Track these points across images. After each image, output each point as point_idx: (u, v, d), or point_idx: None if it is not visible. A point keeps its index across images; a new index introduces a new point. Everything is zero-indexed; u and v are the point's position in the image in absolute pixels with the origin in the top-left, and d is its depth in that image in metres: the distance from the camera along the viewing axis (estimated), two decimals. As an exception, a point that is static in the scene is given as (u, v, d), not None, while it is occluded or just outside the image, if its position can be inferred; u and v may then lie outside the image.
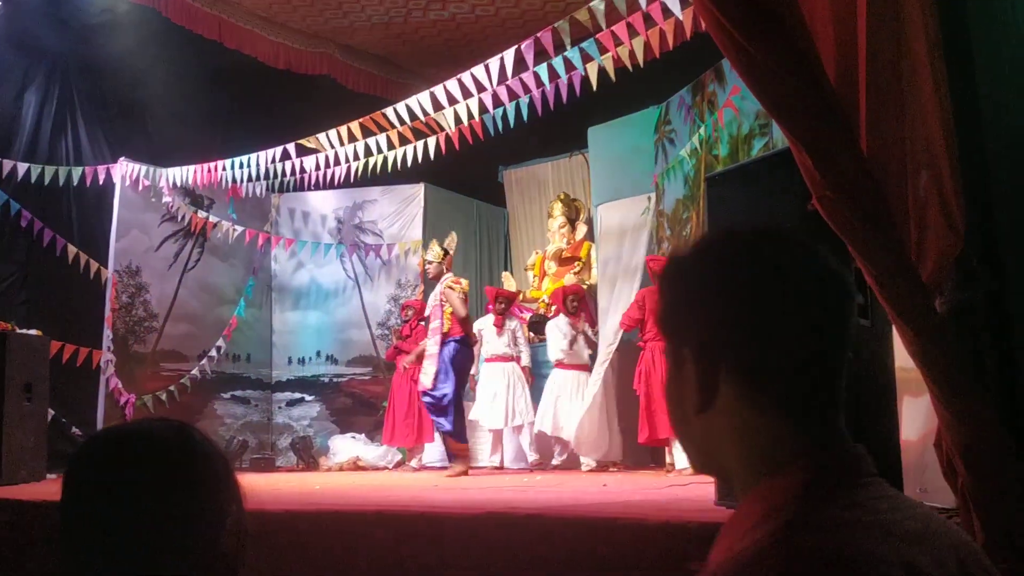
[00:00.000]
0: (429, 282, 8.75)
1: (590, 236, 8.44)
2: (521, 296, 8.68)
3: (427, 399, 6.68)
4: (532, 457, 7.39)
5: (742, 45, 2.45)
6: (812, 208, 2.52)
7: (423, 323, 7.29)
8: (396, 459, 8.07)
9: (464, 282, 7.04)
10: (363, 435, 8.32)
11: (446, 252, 7.04)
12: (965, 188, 2.28)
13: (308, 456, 8.22)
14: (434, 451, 7.67)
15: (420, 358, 7.06)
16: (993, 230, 2.31)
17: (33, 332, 6.92)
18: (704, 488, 4.62)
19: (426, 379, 6.65)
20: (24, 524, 4.47)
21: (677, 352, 1.00)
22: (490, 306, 7.81)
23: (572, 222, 8.72)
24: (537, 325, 7.85)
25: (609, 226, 7.50)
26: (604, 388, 7.00)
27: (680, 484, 4.98)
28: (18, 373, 6.54)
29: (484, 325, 7.65)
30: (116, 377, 7.78)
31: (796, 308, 0.96)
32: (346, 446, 8.09)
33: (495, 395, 7.37)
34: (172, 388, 8.20)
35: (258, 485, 5.72)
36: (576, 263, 8.40)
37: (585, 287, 8.09)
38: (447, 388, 6.57)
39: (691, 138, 6.75)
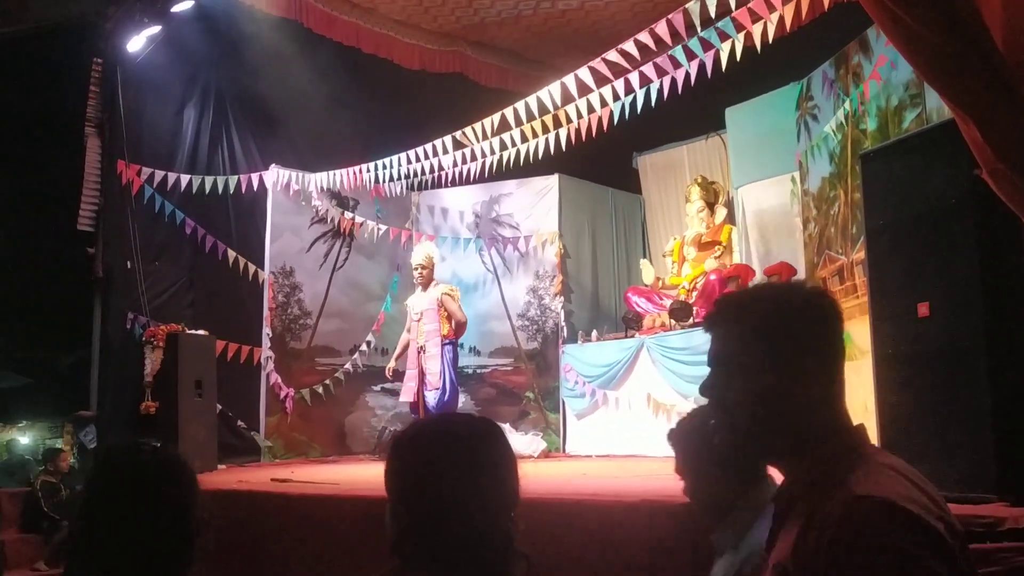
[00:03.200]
0: (572, 263, 8.86)
1: (730, 219, 8.27)
2: (660, 283, 8.60)
3: (432, 395, 7.31)
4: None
5: (899, 16, 2.36)
6: (981, 179, 2.41)
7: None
8: (541, 447, 8.16)
9: (457, 291, 7.78)
10: (507, 424, 8.45)
11: (432, 259, 7.69)
12: None
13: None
14: None
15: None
16: None
17: (201, 332, 7.41)
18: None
19: (434, 378, 7.33)
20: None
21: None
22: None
23: (711, 205, 8.55)
24: (678, 312, 7.75)
25: (753, 208, 7.34)
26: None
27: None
28: (189, 371, 7.03)
29: None
30: (276, 373, 8.21)
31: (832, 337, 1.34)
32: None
33: None
34: (327, 382, 8.58)
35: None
36: (717, 247, 8.24)
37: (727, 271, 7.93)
38: (450, 385, 7.37)
39: (836, 113, 6.50)
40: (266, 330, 8.21)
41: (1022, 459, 2.69)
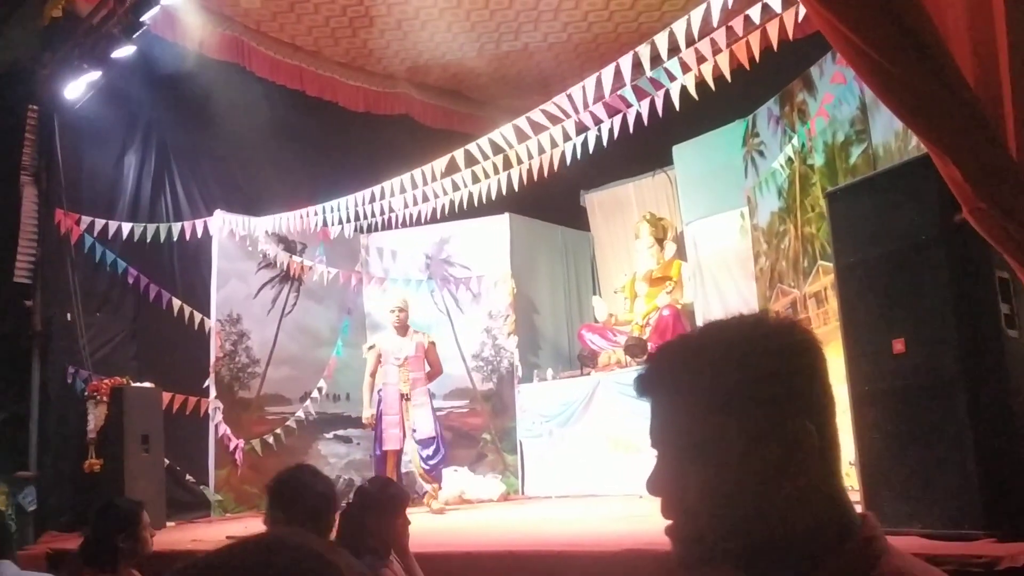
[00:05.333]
0: (523, 302, 8.81)
1: (680, 255, 8.35)
2: (614, 320, 8.62)
3: (418, 448, 7.07)
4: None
5: (877, 62, 2.39)
6: (962, 220, 2.44)
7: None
8: (500, 490, 8.06)
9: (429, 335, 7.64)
10: (465, 467, 8.34)
11: (406, 303, 7.50)
12: None
13: (411, 492, 8.24)
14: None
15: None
16: None
17: (146, 385, 7.17)
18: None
19: (424, 429, 7.12)
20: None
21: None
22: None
23: (660, 241, 8.64)
24: (634, 348, 7.77)
25: (704, 243, 7.42)
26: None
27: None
28: (135, 425, 6.80)
29: None
30: (224, 423, 7.97)
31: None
32: (450, 480, 8.11)
33: None
34: (278, 431, 8.36)
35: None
36: (668, 283, 8.31)
37: (679, 307, 8.00)
38: (442, 441, 7.25)
39: (783, 149, 6.64)
40: (213, 380, 7.98)
41: (1007, 493, 2.71)
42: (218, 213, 8.19)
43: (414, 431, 7.10)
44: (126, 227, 7.76)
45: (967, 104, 2.35)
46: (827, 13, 2.40)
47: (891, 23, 2.30)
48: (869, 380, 3.17)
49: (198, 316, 8.07)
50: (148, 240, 7.87)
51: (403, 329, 7.38)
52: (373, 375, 7.33)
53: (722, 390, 0.92)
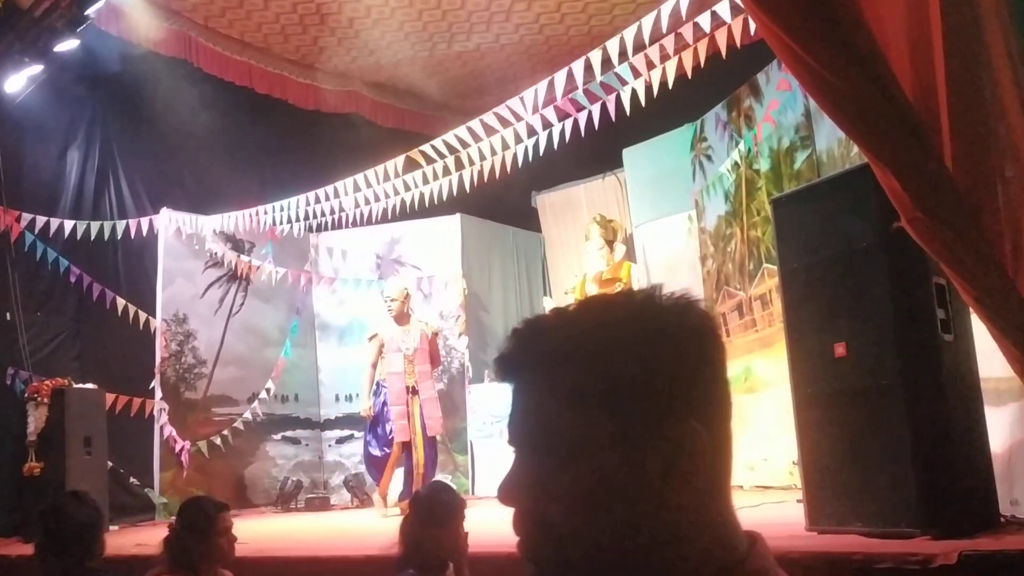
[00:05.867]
0: (472, 301, 8.82)
1: (629, 256, 8.43)
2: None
3: (430, 442, 6.97)
4: None
5: (819, 73, 2.46)
6: (900, 228, 2.52)
7: None
8: (450, 491, 8.07)
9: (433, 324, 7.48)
10: (415, 469, 8.32)
11: (408, 292, 7.30)
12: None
13: (362, 493, 8.22)
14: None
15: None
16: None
17: (89, 386, 7.03)
18: (773, 511, 4.58)
19: (435, 424, 7.00)
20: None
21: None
22: None
23: (610, 243, 8.70)
24: (583, 349, 7.83)
25: (653, 245, 7.52)
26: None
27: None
28: (78, 428, 6.66)
29: None
30: (170, 425, 7.85)
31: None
32: (398, 480, 8.09)
33: None
34: (225, 432, 8.25)
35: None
36: (617, 284, 8.38)
37: (629, 308, 8.08)
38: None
39: (729, 154, 6.76)
40: (158, 381, 7.85)
41: (942, 493, 2.81)
42: (164, 211, 8.06)
43: (423, 427, 6.90)
44: (68, 224, 7.60)
45: (905, 117, 2.42)
46: (771, 23, 2.46)
47: (832, 35, 2.37)
48: (812, 382, 3.26)
49: (143, 316, 7.92)
50: (92, 238, 7.71)
51: (403, 318, 7.15)
52: (374, 366, 7.07)
53: (595, 379, 0.75)
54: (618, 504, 0.74)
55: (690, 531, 0.75)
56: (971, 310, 2.83)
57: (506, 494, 0.79)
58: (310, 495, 8.34)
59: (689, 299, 0.82)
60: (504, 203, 9.50)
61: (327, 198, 7.70)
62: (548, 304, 8.91)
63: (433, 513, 2.65)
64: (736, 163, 6.62)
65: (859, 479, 3.03)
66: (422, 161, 7.07)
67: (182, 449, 7.87)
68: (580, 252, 9.22)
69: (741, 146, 6.55)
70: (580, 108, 6.36)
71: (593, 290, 8.60)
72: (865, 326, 3.07)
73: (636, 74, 5.96)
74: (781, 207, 3.50)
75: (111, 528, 6.69)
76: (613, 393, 0.74)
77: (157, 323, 7.94)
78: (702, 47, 5.49)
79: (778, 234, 3.49)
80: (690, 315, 0.80)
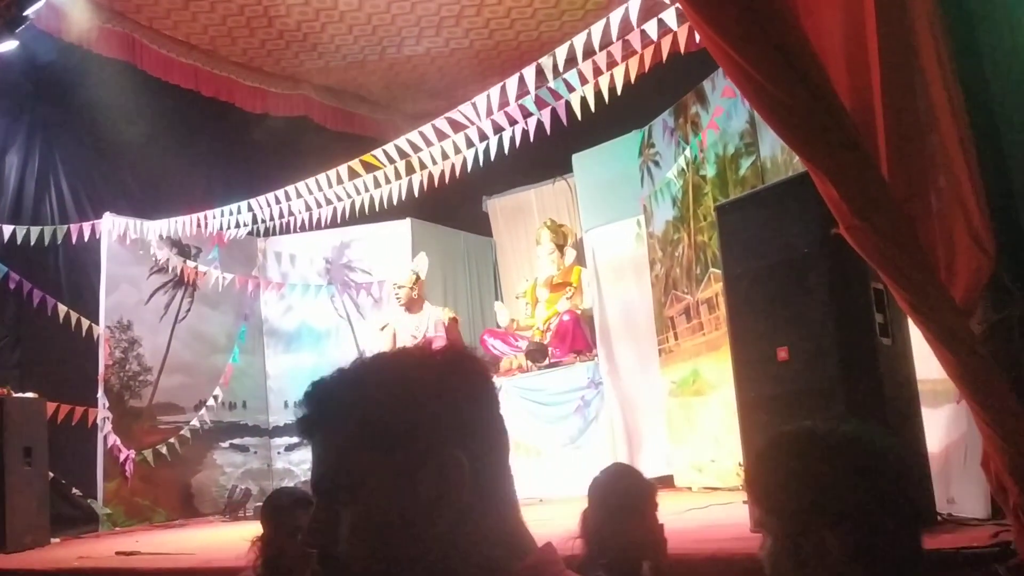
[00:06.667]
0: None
1: (580, 261, 8.49)
2: (515, 325, 8.70)
3: None
4: None
5: (759, 82, 2.50)
6: (837, 235, 2.58)
7: None
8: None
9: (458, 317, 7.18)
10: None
11: (418, 276, 7.11)
12: (991, 209, 2.35)
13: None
14: None
15: None
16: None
17: (29, 395, 6.86)
18: (720, 512, 4.64)
19: None
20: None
21: None
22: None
23: (560, 248, 8.77)
24: (534, 353, 7.87)
25: (602, 250, 7.59)
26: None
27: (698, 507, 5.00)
28: (17, 438, 6.49)
29: None
30: (114, 434, 7.70)
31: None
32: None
33: None
34: (172, 440, 8.11)
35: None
36: (568, 288, 8.44)
37: (579, 312, 8.14)
38: None
39: (676, 160, 6.84)
40: (102, 389, 7.69)
41: (880, 493, 2.87)
42: (107, 216, 7.90)
43: None
44: (7, 229, 7.42)
45: (843, 127, 2.48)
46: (712, 33, 2.50)
47: (772, 46, 2.41)
48: (755, 386, 3.32)
49: (86, 323, 7.77)
50: (32, 243, 7.54)
51: (413, 305, 7.02)
52: None
53: (373, 427, 0.88)
54: (397, 533, 0.85)
55: (462, 549, 0.85)
56: (908, 314, 2.90)
57: (311, 537, 0.90)
58: (259, 503, 8.21)
59: (460, 352, 0.96)
60: (455, 208, 9.51)
61: (276, 202, 7.63)
62: (499, 309, 8.94)
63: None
64: (683, 169, 6.70)
65: (802, 481, 3.09)
66: (375, 164, 7.04)
67: (127, 458, 7.72)
68: (531, 257, 9.28)
69: (688, 152, 6.64)
70: (530, 114, 6.40)
71: (544, 294, 8.66)
72: (807, 331, 3.14)
73: (584, 80, 6.02)
74: (725, 214, 3.56)
75: (53, 540, 6.56)
76: (388, 436, 0.87)
77: (100, 330, 7.79)
78: (649, 54, 5.56)
79: (722, 240, 3.55)
80: (458, 364, 0.93)
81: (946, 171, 2.47)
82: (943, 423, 3.50)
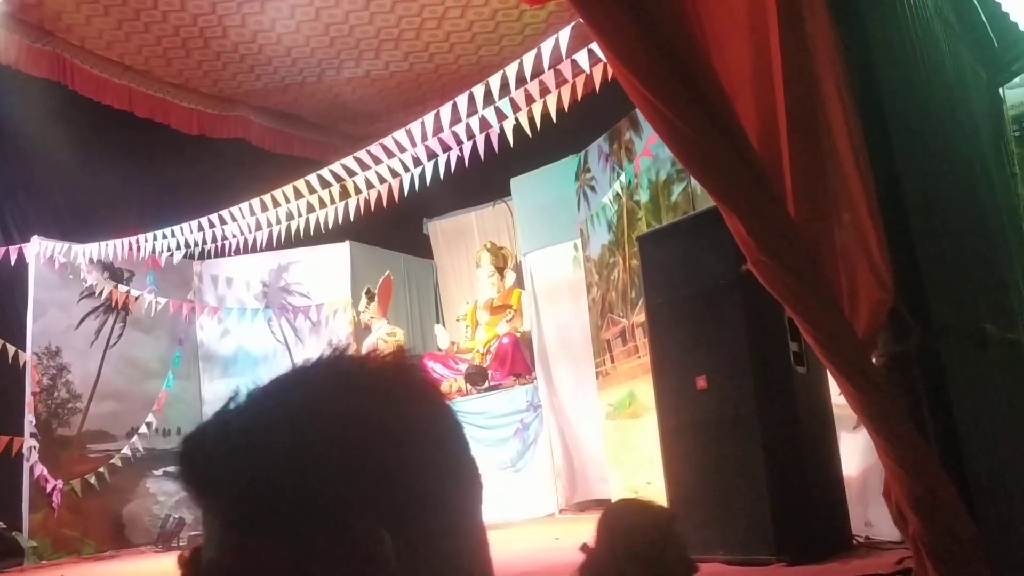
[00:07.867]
0: (362, 333, 8.72)
1: (519, 283, 8.52)
2: (455, 348, 8.69)
3: None
4: None
5: (669, 119, 2.55)
6: (747, 270, 2.63)
7: None
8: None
9: (399, 333, 7.11)
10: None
11: (372, 296, 7.09)
12: (890, 243, 2.41)
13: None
14: None
15: None
16: (921, 283, 2.44)
17: (-50, 425, 6.65)
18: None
19: None
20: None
21: None
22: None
23: (500, 270, 8.79)
24: (474, 376, 7.86)
25: (540, 273, 7.64)
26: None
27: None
28: (-64, 470, 6.28)
29: None
30: (40, 463, 7.48)
31: None
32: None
33: None
34: (102, 469, 7.90)
35: None
36: (508, 311, 8.46)
37: (518, 335, 8.16)
38: None
39: (612, 185, 6.92)
40: (29, 417, 7.48)
41: (796, 521, 2.93)
42: (35, 239, 7.73)
43: None
44: (-72, 254, 7.21)
45: (750, 163, 2.54)
46: (623, 68, 2.54)
47: (680, 82, 2.45)
48: (676, 414, 3.36)
49: (12, 349, 7.55)
50: (-46, 268, 7.34)
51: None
52: None
53: (255, 501, 0.62)
54: None
55: None
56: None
57: None
58: (193, 532, 8.05)
59: (396, 373, 0.68)
60: (396, 230, 9.47)
61: (211, 225, 7.53)
62: (439, 332, 8.92)
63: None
64: (618, 194, 6.78)
65: (721, 508, 3.14)
66: (315, 187, 7.00)
67: (54, 488, 7.51)
68: (472, 279, 9.28)
69: (622, 177, 6.72)
70: (467, 138, 6.42)
71: (484, 317, 8.67)
72: (724, 360, 3.19)
73: (516, 108, 6.08)
74: (647, 244, 3.61)
75: (-26, 575, 6.34)
76: (277, 515, 0.61)
77: (27, 356, 7.58)
78: (580, 82, 5.64)
79: (644, 270, 3.60)
80: (398, 389, 0.67)
81: (849, 207, 2.53)
82: (861, 447, 3.58)
